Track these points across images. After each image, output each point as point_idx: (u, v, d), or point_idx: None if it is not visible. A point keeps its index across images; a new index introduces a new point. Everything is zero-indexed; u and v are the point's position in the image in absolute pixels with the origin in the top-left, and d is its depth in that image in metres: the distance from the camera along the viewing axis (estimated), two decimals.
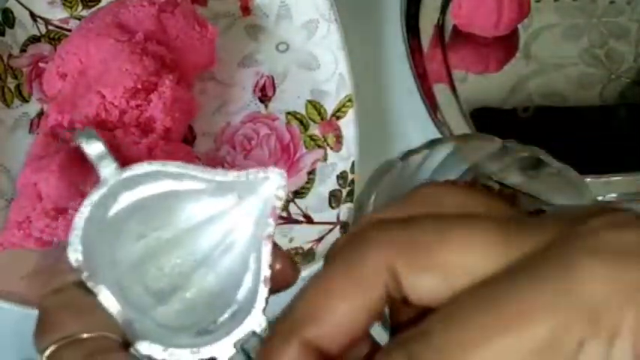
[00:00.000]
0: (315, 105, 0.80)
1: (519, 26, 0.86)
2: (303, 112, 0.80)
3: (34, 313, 0.37)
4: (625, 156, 0.78)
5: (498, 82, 0.84)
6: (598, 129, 0.81)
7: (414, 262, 0.33)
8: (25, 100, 0.82)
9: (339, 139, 0.77)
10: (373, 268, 0.33)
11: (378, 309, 0.34)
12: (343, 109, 0.77)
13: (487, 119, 0.81)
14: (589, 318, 0.30)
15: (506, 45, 0.86)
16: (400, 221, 0.35)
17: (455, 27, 0.86)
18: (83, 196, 0.63)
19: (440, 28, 0.87)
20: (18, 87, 0.82)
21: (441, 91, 0.82)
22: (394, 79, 0.84)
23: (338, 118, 0.77)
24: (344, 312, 0.33)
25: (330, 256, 0.36)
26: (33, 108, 0.81)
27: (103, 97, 0.72)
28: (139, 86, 0.72)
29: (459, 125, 0.79)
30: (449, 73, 0.84)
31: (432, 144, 0.65)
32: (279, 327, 0.35)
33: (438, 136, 0.75)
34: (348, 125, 0.76)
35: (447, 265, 0.33)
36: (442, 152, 0.66)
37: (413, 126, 0.80)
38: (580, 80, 0.83)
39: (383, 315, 0.35)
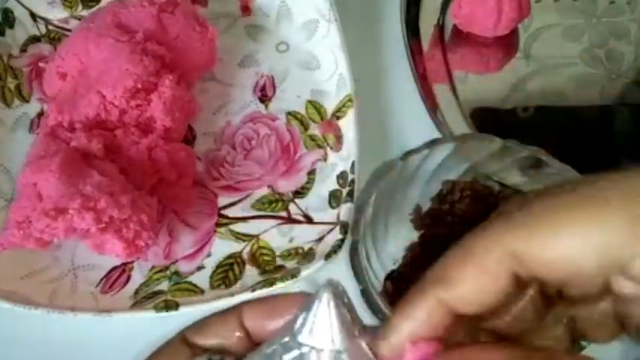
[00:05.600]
0: (315, 105, 0.80)
1: (519, 26, 0.86)
2: (303, 112, 0.80)
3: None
4: (625, 156, 0.78)
5: (498, 82, 0.84)
6: (598, 129, 0.81)
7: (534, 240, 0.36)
8: (25, 100, 0.82)
9: (339, 139, 0.77)
10: (495, 254, 0.37)
11: (508, 289, 0.37)
12: (343, 109, 0.77)
13: (487, 119, 0.80)
14: None
15: (506, 45, 0.86)
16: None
17: (455, 27, 0.86)
18: (83, 196, 0.64)
19: (440, 28, 0.87)
20: (18, 87, 0.82)
21: (441, 91, 0.82)
22: (394, 79, 0.84)
23: (338, 118, 0.77)
24: (475, 293, 0.37)
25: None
26: (33, 108, 0.82)
27: (103, 96, 0.72)
28: (139, 86, 0.72)
29: (459, 125, 0.79)
30: (449, 73, 0.84)
31: (432, 144, 0.65)
32: (417, 286, 0.38)
33: (438, 136, 0.75)
34: (348, 125, 0.76)
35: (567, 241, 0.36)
36: (442, 152, 0.66)
37: (413, 126, 0.79)
38: (580, 80, 0.83)
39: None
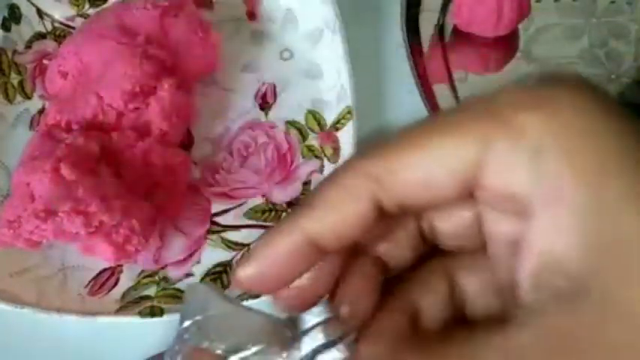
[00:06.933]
0: (315, 115, 0.80)
1: (519, 26, 0.85)
2: (303, 121, 0.80)
3: None
4: None
5: (498, 82, 0.83)
6: None
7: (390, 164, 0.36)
8: (27, 97, 0.83)
9: (336, 150, 0.77)
10: (355, 177, 0.36)
11: (370, 215, 0.36)
12: (342, 121, 0.77)
13: None
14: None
15: (506, 45, 0.86)
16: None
17: (455, 27, 0.86)
18: (75, 199, 0.64)
19: (440, 28, 0.87)
20: (21, 83, 0.83)
21: (441, 91, 0.82)
22: (394, 79, 0.84)
23: (337, 129, 0.78)
24: (336, 215, 0.36)
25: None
26: (34, 105, 0.83)
27: (101, 98, 0.72)
28: (138, 89, 0.72)
29: None
30: (449, 73, 0.84)
31: None
32: (282, 221, 0.37)
33: None
34: (346, 136, 0.76)
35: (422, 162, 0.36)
36: None
37: None
38: None
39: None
